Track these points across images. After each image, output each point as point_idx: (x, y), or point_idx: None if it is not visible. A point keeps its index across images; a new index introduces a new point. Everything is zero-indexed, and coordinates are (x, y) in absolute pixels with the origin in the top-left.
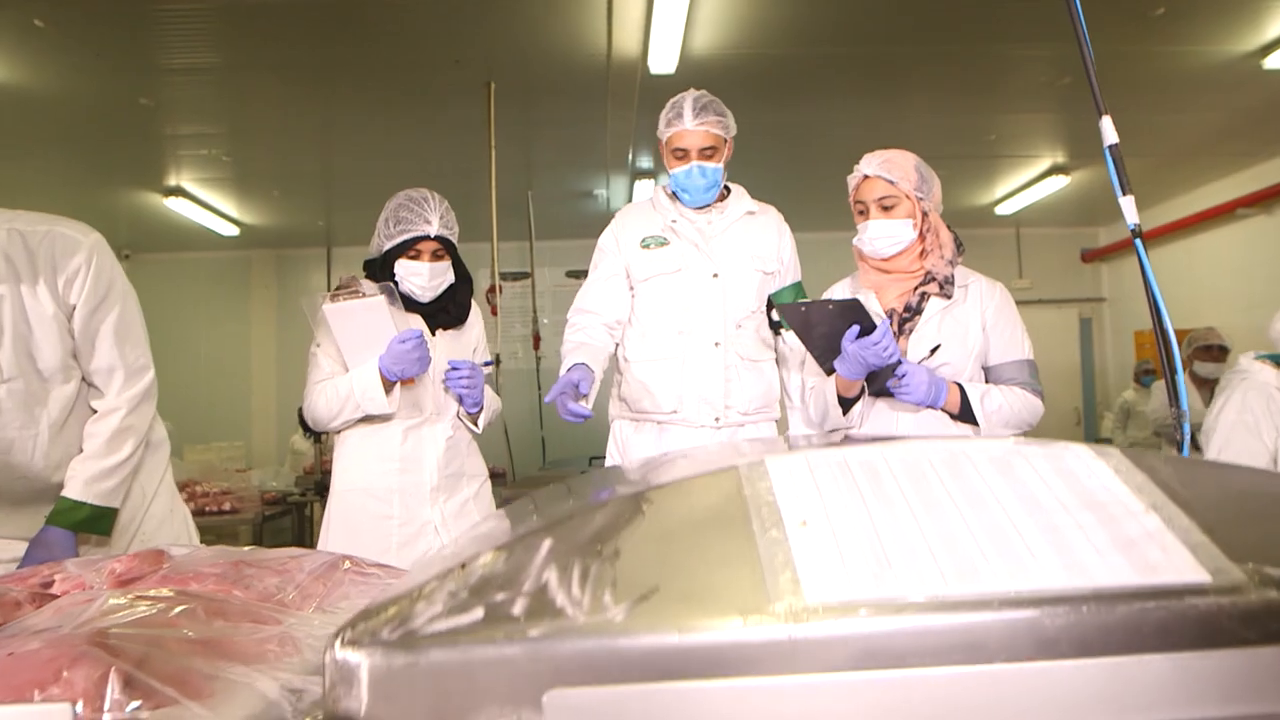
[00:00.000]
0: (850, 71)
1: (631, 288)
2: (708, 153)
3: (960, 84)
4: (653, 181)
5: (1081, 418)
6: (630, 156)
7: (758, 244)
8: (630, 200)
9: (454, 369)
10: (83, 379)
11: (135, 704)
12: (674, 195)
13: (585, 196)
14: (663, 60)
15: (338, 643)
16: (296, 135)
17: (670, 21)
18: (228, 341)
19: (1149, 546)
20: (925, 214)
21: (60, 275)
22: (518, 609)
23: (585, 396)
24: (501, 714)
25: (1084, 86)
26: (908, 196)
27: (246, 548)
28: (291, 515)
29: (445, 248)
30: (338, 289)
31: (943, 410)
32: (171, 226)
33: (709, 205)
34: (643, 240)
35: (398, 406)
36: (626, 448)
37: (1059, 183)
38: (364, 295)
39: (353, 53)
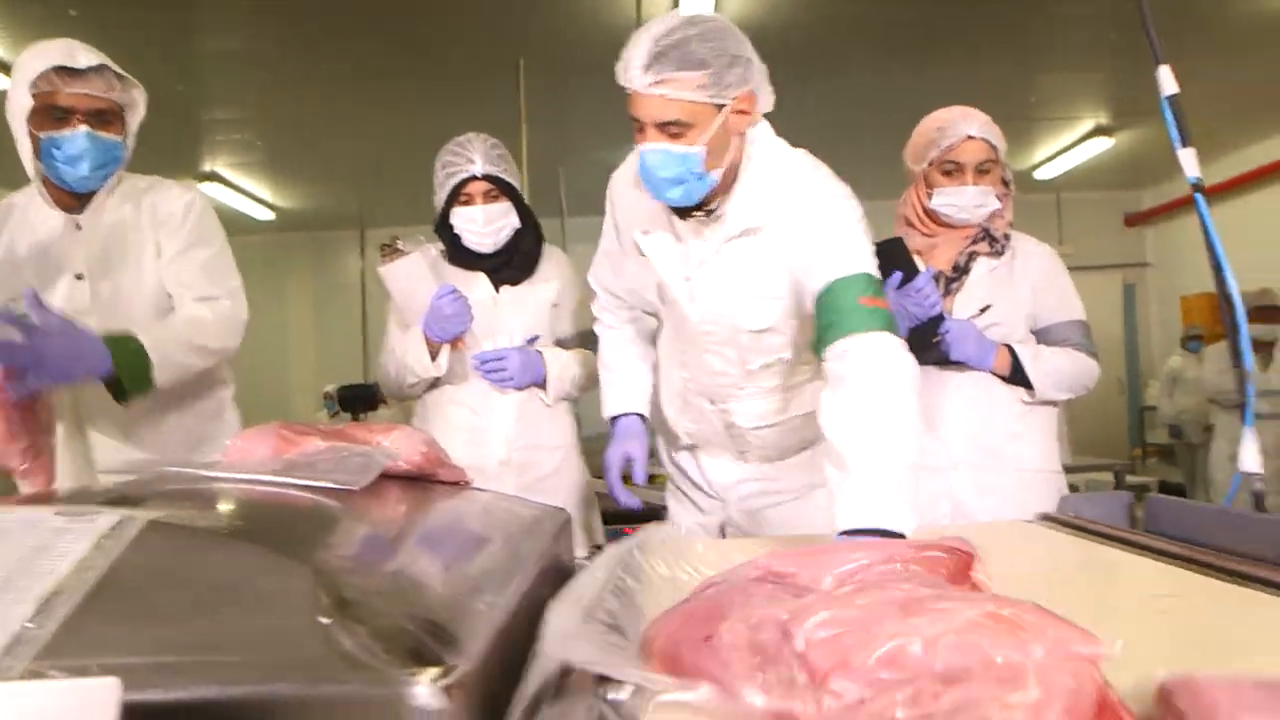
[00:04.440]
0: (884, 35)
1: None
2: (673, 129)
3: (998, 44)
4: None
5: (1125, 387)
6: None
7: (750, 290)
8: None
9: (481, 361)
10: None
11: None
12: None
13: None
14: None
15: None
16: (328, 117)
17: None
18: (265, 326)
19: None
20: (1006, 180)
21: (158, 220)
22: None
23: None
24: None
25: (1130, 43)
26: (998, 161)
27: None
28: None
29: (499, 187)
30: (383, 248)
31: (993, 373)
32: None
33: (694, 210)
34: (643, 226)
35: (445, 371)
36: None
37: (1102, 144)
38: (404, 254)
39: (381, 33)
